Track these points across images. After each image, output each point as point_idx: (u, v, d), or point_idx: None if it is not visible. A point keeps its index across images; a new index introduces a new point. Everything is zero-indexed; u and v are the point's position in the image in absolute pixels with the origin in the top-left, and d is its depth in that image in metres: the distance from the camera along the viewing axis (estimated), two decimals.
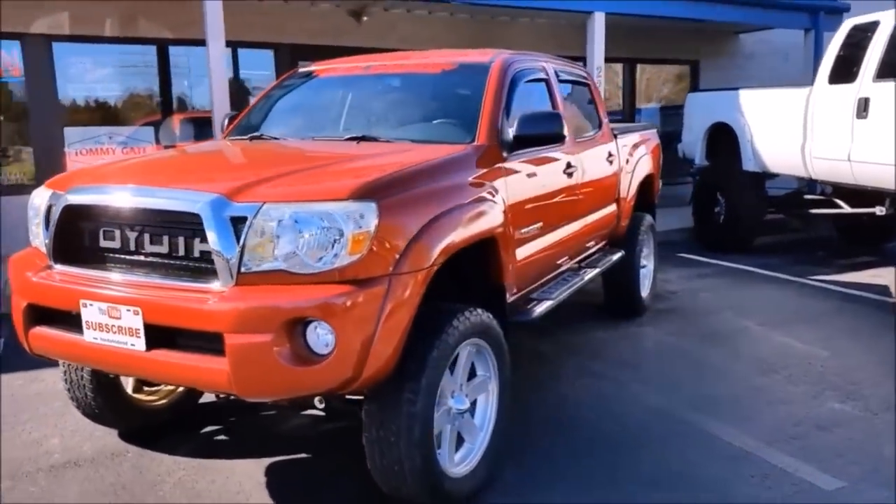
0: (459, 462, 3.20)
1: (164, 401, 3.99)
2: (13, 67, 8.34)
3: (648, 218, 6.13)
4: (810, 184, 8.72)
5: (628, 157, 5.75)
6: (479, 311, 3.18)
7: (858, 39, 7.00)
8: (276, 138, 4.04)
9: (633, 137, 6.02)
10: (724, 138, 8.95)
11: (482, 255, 3.41)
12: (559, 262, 4.63)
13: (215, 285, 2.65)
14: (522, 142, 3.72)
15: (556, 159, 4.26)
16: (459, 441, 3.23)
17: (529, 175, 3.86)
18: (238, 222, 2.62)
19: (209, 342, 2.60)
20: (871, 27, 6.89)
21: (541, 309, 4.02)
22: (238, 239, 2.60)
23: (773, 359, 5.06)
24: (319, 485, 3.40)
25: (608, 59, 12.12)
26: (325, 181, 2.86)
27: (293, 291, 2.58)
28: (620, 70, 12.78)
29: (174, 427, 3.97)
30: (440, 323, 2.95)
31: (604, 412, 4.17)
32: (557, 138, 3.83)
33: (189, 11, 7.99)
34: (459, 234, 3.03)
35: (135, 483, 3.43)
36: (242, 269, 2.61)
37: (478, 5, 9.37)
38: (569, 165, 4.40)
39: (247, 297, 2.57)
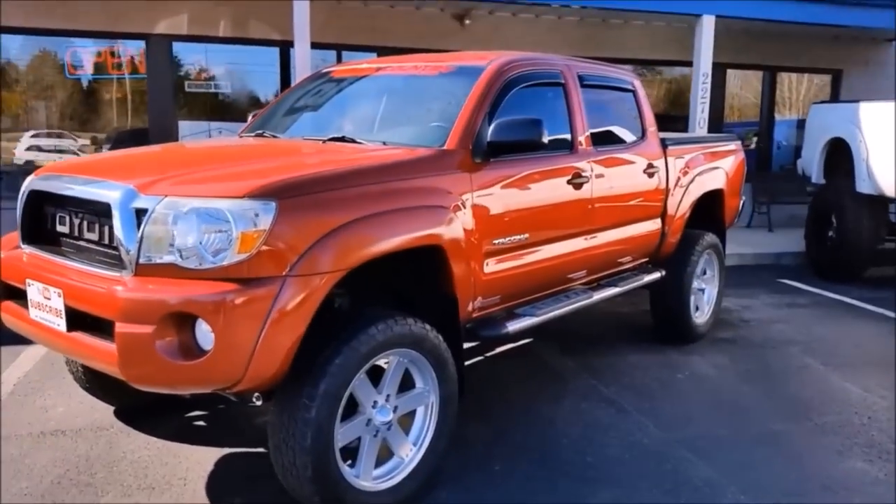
0: (381, 476, 3.12)
1: None
2: (139, 64, 9.13)
3: (710, 237, 5.64)
4: None
5: (683, 172, 5.32)
6: (410, 320, 3.07)
7: None
8: (274, 136, 4.13)
9: (695, 150, 5.56)
10: (842, 155, 8.09)
11: (435, 263, 3.30)
12: (570, 275, 4.39)
13: (121, 274, 2.74)
14: (499, 148, 3.55)
15: (557, 168, 4.03)
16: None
17: (510, 183, 3.68)
18: (142, 214, 2.70)
19: (107, 328, 2.69)
20: None
21: (516, 326, 3.83)
22: (139, 229, 2.68)
23: (815, 403, 4.51)
24: (259, 478, 3.42)
25: (743, 66, 11.47)
26: (238, 179, 2.87)
27: (179, 286, 2.62)
28: (760, 78, 11.94)
29: (165, 409, 4.16)
30: (352, 330, 2.88)
31: (585, 440, 3.89)
32: (539, 145, 3.60)
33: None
34: (382, 241, 2.94)
35: (99, 457, 3.63)
36: (141, 260, 2.68)
37: (584, 7, 9.07)
38: (577, 175, 4.14)
39: (138, 288, 2.65)
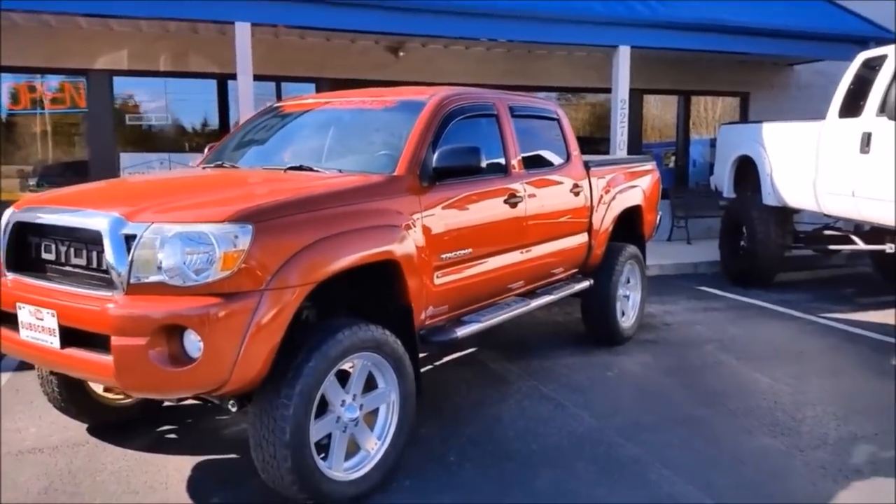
0: (351, 467, 3.49)
1: (130, 401, 4.44)
2: (79, 98, 9.28)
3: (631, 248, 6.22)
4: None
5: (605, 191, 5.89)
6: (372, 327, 3.47)
7: (868, 73, 6.88)
8: (234, 166, 4.49)
9: (615, 171, 6.15)
10: (749, 171, 8.88)
11: (391, 277, 3.71)
12: (510, 285, 4.85)
13: (112, 294, 3.06)
14: (443, 173, 4.00)
15: (493, 189, 4.51)
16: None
17: (453, 204, 4.13)
18: (131, 240, 3.03)
19: (102, 343, 3.00)
20: (880, 60, 6.78)
21: (464, 331, 4.26)
22: (129, 253, 3.01)
23: (728, 392, 5.08)
24: (235, 480, 3.74)
25: (659, 91, 12.30)
26: (217, 206, 3.23)
27: (169, 301, 2.96)
28: (671, 103, 12.80)
29: (138, 425, 4.42)
30: (321, 337, 3.27)
31: (528, 432, 4.34)
32: (478, 170, 4.08)
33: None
34: (344, 256, 3.34)
35: (81, 469, 3.88)
36: (132, 281, 3.01)
37: (509, 41, 9.68)
38: (512, 195, 4.63)
39: (130, 305, 2.97)
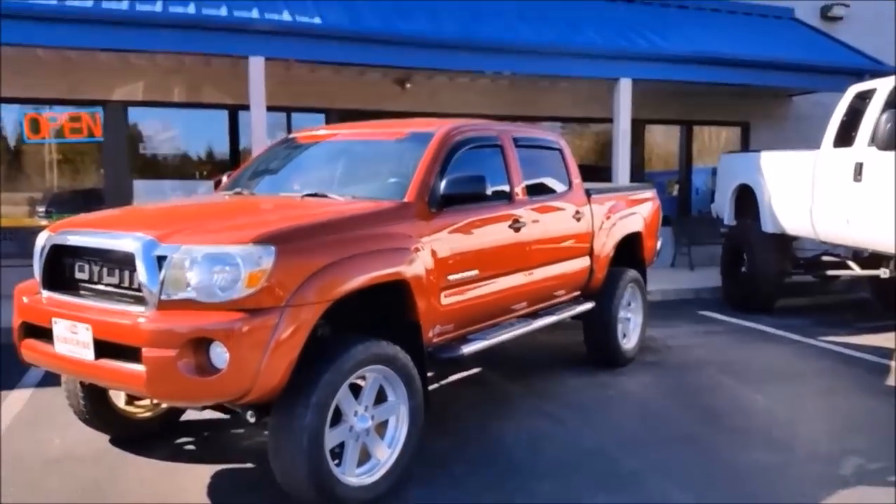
0: (362, 473, 3.69)
1: (150, 413, 4.66)
2: (95, 128, 9.62)
3: (632, 273, 6.44)
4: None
5: (606, 217, 6.13)
6: (384, 343, 3.70)
7: (859, 104, 7.15)
8: (253, 193, 4.75)
9: (616, 198, 6.40)
10: (749, 199, 9.11)
11: (401, 297, 3.94)
12: (513, 306, 5.08)
13: (144, 310, 3.30)
14: (451, 199, 4.26)
15: (498, 215, 4.75)
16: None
17: (459, 229, 4.37)
18: (162, 259, 3.28)
19: (136, 354, 3.23)
20: (870, 93, 7.05)
21: (470, 349, 4.48)
22: (160, 272, 3.26)
23: (726, 411, 5.26)
24: (252, 487, 3.95)
25: (661, 121, 12.60)
26: (241, 229, 3.48)
27: (197, 316, 3.20)
28: (675, 133, 13.09)
29: (158, 437, 4.63)
30: (336, 350, 3.50)
31: (531, 446, 4.54)
32: (483, 197, 4.34)
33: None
34: (357, 276, 3.58)
35: (106, 478, 4.09)
36: (163, 297, 3.26)
37: (514, 74, 10.01)
38: (515, 221, 4.88)
39: (161, 320, 3.21)
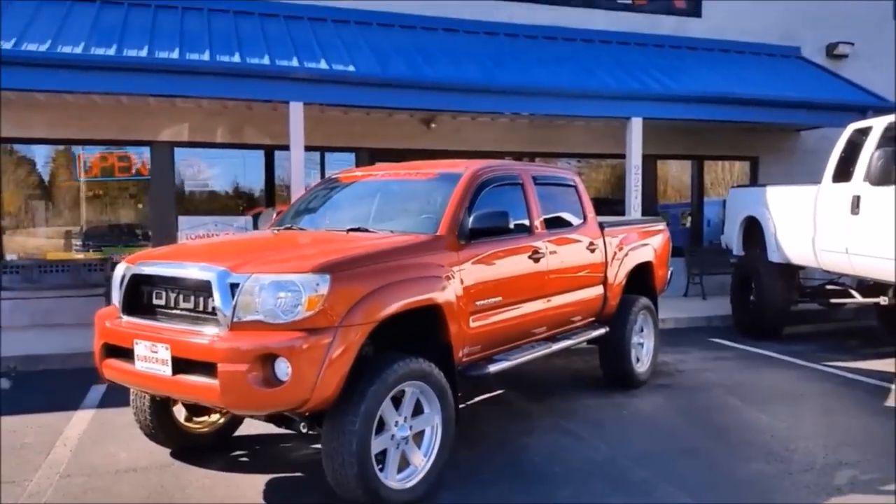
0: (402, 478, 4.18)
1: (207, 429, 5.18)
2: (143, 167, 10.32)
3: (643, 300, 6.92)
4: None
5: (619, 248, 6.64)
6: (421, 360, 4.21)
7: (857, 141, 7.64)
8: (301, 228, 5.33)
9: (628, 230, 6.91)
10: (756, 231, 9.58)
11: (434, 320, 4.46)
12: (534, 330, 5.57)
13: (217, 330, 3.85)
14: (478, 233, 4.79)
15: (519, 247, 5.28)
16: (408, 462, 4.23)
17: (485, 259, 4.90)
18: (234, 286, 3.83)
19: (209, 370, 3.77)
20: (867, 131, 7.54)
21: (496, 368, 4.98)
22: (233, 298, 3.81)
23: (731, 428, 5.70)
24: (301, 491, 4.45)
25: (675, 157, 13.13)
26: (300, 260, 4.04)
27: (265, 335, 3.73)
28: (688, 167, 13.58)
29: (214, 450, 5.15)
30: (380, 366, 4.01)
31: (551, 457, 5.01)
32: (506, 230, 4.88)
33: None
34: (397, 301, 4.11)
35: (171, 484, 4.60)
36: (235, 319, 3.80)
37: (532, 114, 10.61)
38: (535, 252, 5.40)
39: (234, 339, 3.75)
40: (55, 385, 7.17)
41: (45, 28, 8.73)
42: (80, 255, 10.19)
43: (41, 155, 10.26)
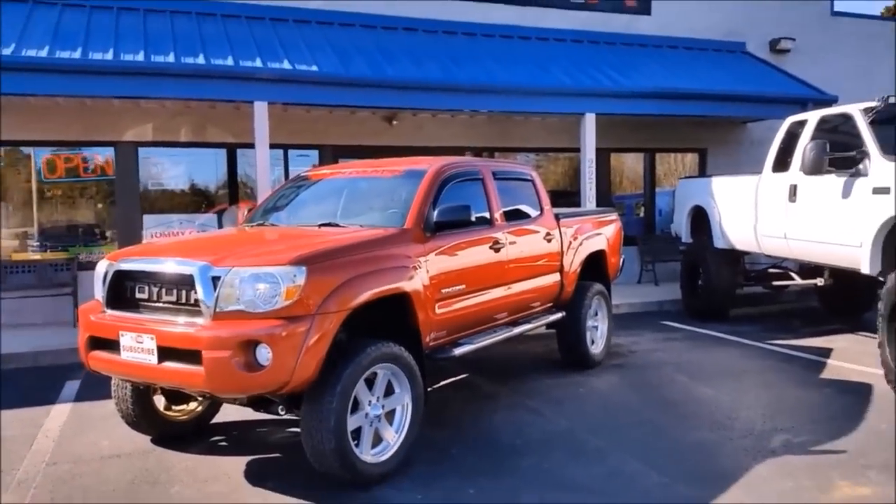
0: (376, 453, 4.50)
1: (186, 417, 5.43)
2: (107, 167, 10.43)
3: (597, 286, 7.33)
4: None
5: (573, 237, 7.04)
6: (391, 344, 4.54)
7: (795, 133, 8.16)
8: (272, 224, 5.61)
9: (582, 221, 7.32)
10: (703, 219, 10.10)
11: (403, 308, 4.79)
12: (496, 316, 5.93)
13: (201, 320, 4.12)
14: (442, 226, 5.13)
15: (481, 238, 5.63)
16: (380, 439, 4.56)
17: (449, 250, 5.24)
18: (216, 279, 4.11)
19: (194, 357, 4.05)
20: (803, 123, 8.06)
21: (461, 351, 5.33)
22: (215, 290, 4.09)
23: (679, 402, 6.15)
24: (280, 470, 4.75)
25: (628, 150, 13.62)
26: (277, 254, 4.33)
27: (246, 324, 4.02)
28: (642, 158, 14.09)
29: (193, 437, 5.40)
30: (354, 350, 4.33)
31: (515, 432, 5.38)
32: (469, 223, 5.23)
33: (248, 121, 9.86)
34: (369, 290, 4.43)
35: (155, 467, 4.86)
36: (217, 310, 4.08)
37: (490, 112, 10.98)
38: (496, 242, 5.76)
39: (217, 328, 4.04)
40: (29, 381, 7.33)
41: (8, 32, 8.81)
42: (47, 255, 10.25)
43: (4, 157, 10.28)
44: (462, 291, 5.36)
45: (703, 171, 13.92)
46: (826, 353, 7.79)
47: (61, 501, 4.37)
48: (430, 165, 5.55)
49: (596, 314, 7.40)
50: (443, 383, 6.77)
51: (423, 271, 4.93)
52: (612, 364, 7.44)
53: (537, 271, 6.45)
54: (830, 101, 12.15)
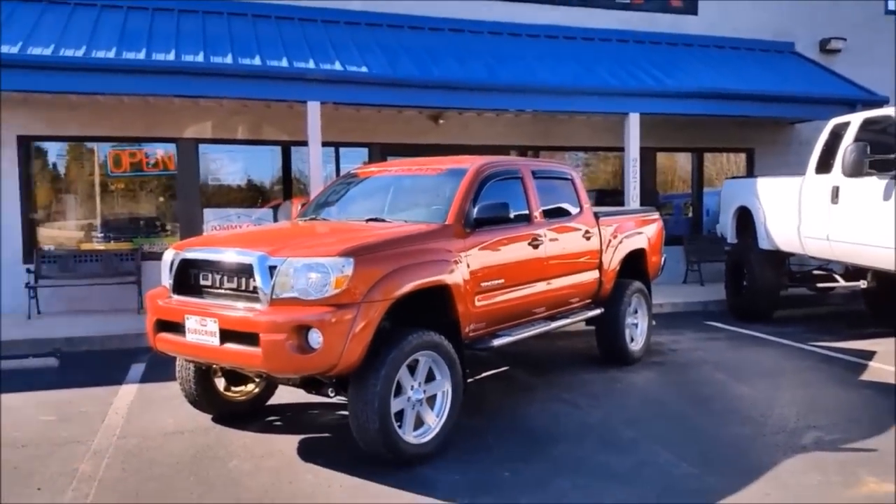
0: (417, 435, 4.79)
1: (244, 398, 5.81)
2: (169, 162, 10.98)
3: (637, 284, 7.50)
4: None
5: (613, 236, 7.22)
6: (432, 333, 4.82)
7: (838, 135, 8.18)
8: (324, 219, 5.95)
9: (622, 220, 7.50)
10: (748, 220, 10.14)
11: (443, 299, 5.07)
12: (534, 310, 6.16)
13: (258, 306, 4.47)
14: (482, 222, 5.40)
15: (520, 234, 5.87)
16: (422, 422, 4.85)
17: (489, 245, 5.50)
18: (273, 269, 4.46)
19: (253, 339, 4.40)
20: (846, 125, 8.08)
21: (499, 342, 5.59)
22: (271, 278, 4.43)
23: (714, 398, 6.30)
24: (329, 448, 5.08)
25: (673, 149, 13.67)
26: (327, 246, 4.66)
27: (300, 310, 4.36)
28: (690, 158, 14.11)
29: (250, 417, 5.78)
30: (398, 337, 4.63)
31: (550, 422, 5.62)
32: (507, 220, 5.49)
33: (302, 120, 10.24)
34: (411, 282, 4.72)
35: (216, 443, 5.24)
36: (273, 297, 4.43)
37: (534, 111, 11.18)
38: (534, 239, 6.00)
39: (273, 313, 4.38)
40: (98, 364, 7.84)
41: (77, 35, 9.36)
42: (111, 245, 10.84)
43: (72, 152, 10.90)
44: (501, 285, 5.61)
45: (750, 172, 13.87)
46: (868, 355, 7.81)
47: (132, 471, 4.78)
48: (471, 164, 5.81)
49: (635, 312, 7.57)
50: (483, 375, 7.03)
51: (463, 265, 5.19)
52: (651, 361, 7.59)
53: (576, 268, 6.66)
54: (881, 101, 12.00)
